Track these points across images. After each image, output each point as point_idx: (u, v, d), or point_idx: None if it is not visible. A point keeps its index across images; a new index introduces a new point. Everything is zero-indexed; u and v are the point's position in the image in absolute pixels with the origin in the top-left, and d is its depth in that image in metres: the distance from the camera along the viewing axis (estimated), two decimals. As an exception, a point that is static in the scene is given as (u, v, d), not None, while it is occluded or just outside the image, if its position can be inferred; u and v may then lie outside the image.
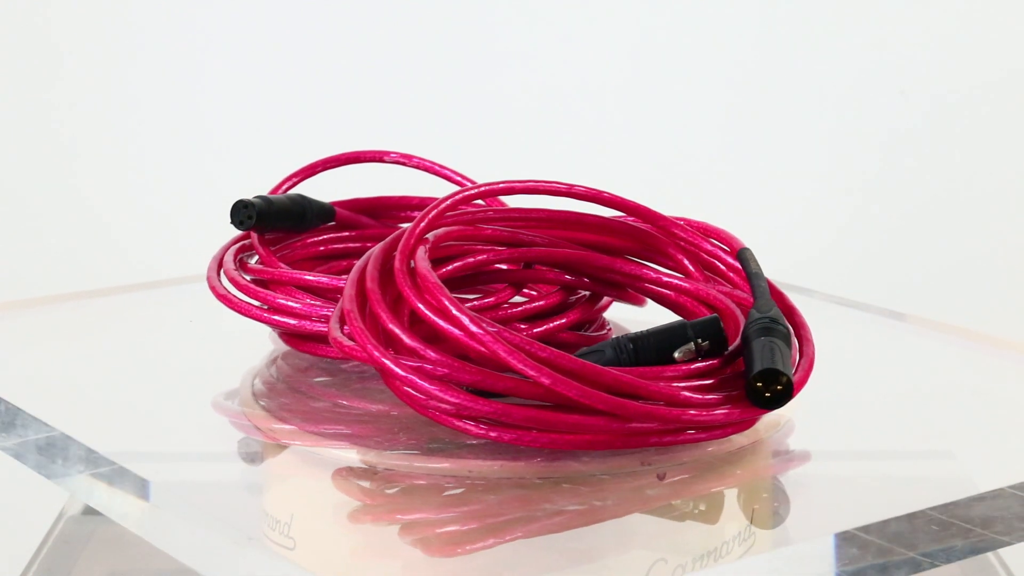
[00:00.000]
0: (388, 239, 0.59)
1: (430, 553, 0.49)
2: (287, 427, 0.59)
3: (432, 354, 0.53)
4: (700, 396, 0.53)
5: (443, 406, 0.53)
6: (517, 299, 0.63)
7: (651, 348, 0.54)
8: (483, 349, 0.52)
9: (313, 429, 0.59)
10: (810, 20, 1.33)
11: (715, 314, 0.55)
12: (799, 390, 0.55)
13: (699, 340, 0.54)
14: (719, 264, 0.63)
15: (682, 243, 0.63)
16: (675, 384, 0.53)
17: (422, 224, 0.58)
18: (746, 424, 0.55)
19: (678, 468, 0.54)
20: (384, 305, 0.55)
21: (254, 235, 0.68)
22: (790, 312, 0.59)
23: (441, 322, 0.53)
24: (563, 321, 0.63)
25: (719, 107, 1.34)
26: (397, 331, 0.54)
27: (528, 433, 0.52)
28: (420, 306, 0.54)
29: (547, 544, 0.49)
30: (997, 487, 0.52)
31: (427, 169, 0.73)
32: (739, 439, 0.56)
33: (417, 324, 0.55)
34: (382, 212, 0.74)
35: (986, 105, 1.32)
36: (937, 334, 0.72)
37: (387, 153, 0.73)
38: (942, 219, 1.33)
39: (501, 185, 0.61)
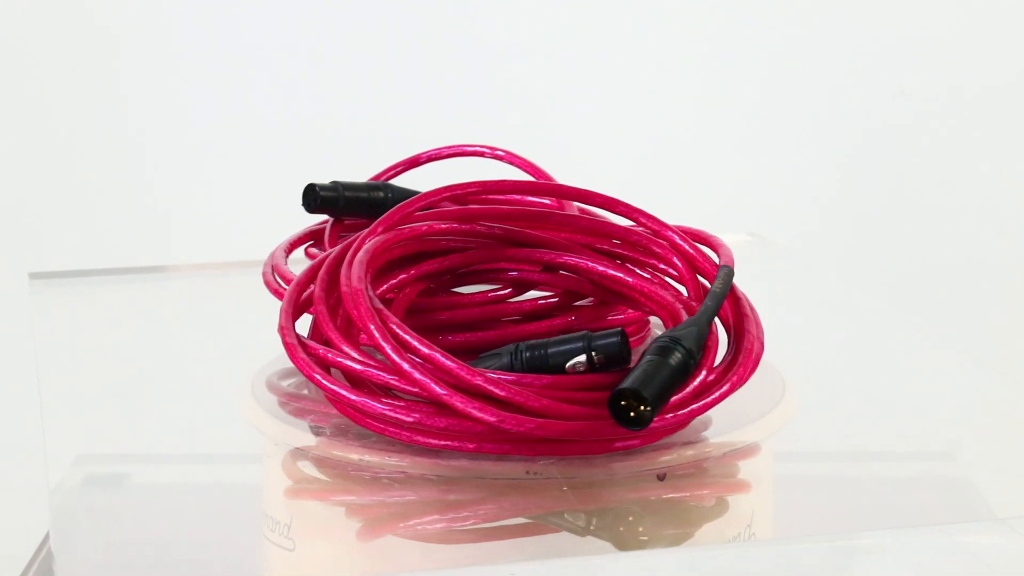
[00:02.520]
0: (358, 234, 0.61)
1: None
2: (285, 422, 0.61)
3: (342, 345, 0.55)
4: (566, 407, 0.51)
5: (325, 392, 0.55)
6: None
7: (546, 356, 0.53)
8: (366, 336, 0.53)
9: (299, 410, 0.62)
10: (810, 20, 1.31)
11: (619, 328, 0.53)
12: (723, 399, 0.54)
13: (593, 354, 0.53)
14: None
15: (683, 253, 0.61)
16: (551, 394, 0.52)
17: (381, 227, 0.60)
18: (622, 444, 0.53)
19: (678, 468, 0.54)
20: (323, 297, 0.57)
21: (329, 220, 0.71)
22: (740, 334, 0.56)
23: (352, 311, 0.55)
24: (556, 323, 0.62)
25: (717, 106, 1.33)
26: (321, 319, 0.56)
27: (388, 428, 0.53)
28: (345, 297, 0.56)
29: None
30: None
31: (518, 165, 0.74)
32: (739, 440, 0.56)
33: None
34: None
35: (987, 105, 1.30)
36: (937, 336, 0.68)
37: (490, 148, 0.75)
38: (942, 219, 1.32)
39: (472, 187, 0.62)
